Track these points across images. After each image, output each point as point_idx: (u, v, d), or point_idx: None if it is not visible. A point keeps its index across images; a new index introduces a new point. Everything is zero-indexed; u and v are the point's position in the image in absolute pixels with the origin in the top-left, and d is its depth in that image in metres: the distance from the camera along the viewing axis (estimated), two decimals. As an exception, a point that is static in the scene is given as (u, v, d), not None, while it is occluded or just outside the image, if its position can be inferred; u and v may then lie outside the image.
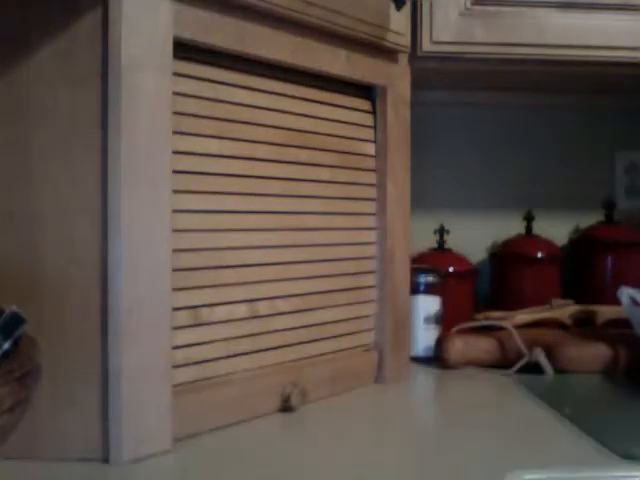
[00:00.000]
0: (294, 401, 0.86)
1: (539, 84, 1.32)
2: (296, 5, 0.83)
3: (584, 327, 1.20)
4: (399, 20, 0.99)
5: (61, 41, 0.69)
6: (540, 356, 1.05)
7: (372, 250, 1.01)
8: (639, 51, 1.10)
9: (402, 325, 1.04)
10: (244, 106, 0.84)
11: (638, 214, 1.46)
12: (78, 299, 0.69)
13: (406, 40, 1.01)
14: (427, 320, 1.16)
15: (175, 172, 0.74)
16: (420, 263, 1.24)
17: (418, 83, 1.08)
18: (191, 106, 0.78)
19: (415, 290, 1.14)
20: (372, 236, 1.01)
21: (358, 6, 0.92)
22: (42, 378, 0.64)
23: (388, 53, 1.00)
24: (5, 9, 0.70)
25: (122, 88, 0.69)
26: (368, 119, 1.01)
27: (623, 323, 1.09)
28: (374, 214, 1.01)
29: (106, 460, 0.69)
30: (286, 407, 0.86)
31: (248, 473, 0.69)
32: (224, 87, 0.82)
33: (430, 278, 1.17)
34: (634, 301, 1.01)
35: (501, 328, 1.12)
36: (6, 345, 0.59)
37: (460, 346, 1.10)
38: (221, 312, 0.81)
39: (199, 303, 0.79)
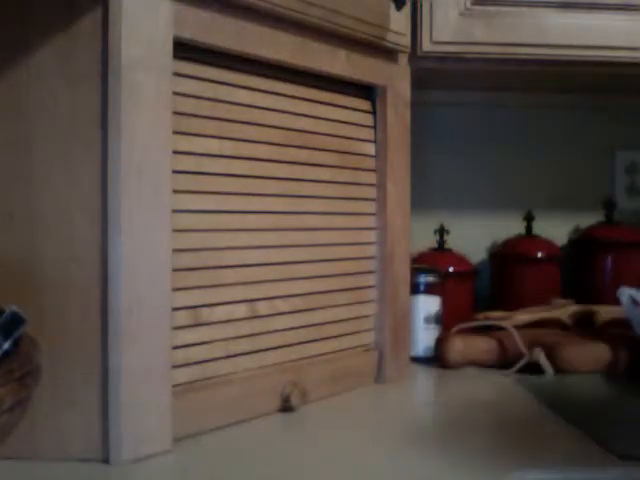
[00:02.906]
0: (294, 401, 0.86)
1: (539, 84, 1.32)
2: (296, 5, 0.83)
3: (584, 327, 1.20)
4: (399, 20, 0.99)
5: (61, 41, 0.69)
6: (540, 356, 1.05)
7: (372, 250, 1.01)
8: (639, 51, 1.10)
9: (402, 325, 1.04)
10: (244, 106, 0.84)
11: (638, 214, 1.47)
12: (78, 299, 0.69)
13: (406, 40, 1.01)
14: (427, 320, 1.16)
15: (175, 172, 0.74)
16: (420, 263, 1.24)
17: (418, 83, 1.08)
18: (191, 106, 0.78)
19: (415, 290, 1.14)
20: (372, 236, 1.01)
21: (358, 6, 0.92)
22: (42, 378, 0.64)
23: (388, 53, 1.00)
24: (5, 9, 0.70)
25: (122, 88, 0.69)
26: (368, 119, 1.01)
27: (623, 323, 1.09)
28: (374, 214, 1.01)
29: (106, 460, 0.69)
30: (286, 407, 0.86)
31: (248, 473, 0.69)
32: (224, 87, 0.82)
33: (430, 278, 1.17)
34: (634, 301, 1.01)
35: (501, 328, 1.12)
36: (6, 345, 0.59)
37: (460, 346, 1.10)
38: (221, 312, 0.81)
39: (199, 303, 0.79)
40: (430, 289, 1.17)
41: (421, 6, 1.06)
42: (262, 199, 0.86)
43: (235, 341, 0.83)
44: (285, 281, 0.89)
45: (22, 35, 0.70)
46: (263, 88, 0.86)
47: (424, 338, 1.15)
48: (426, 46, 1.06)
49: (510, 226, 1.41)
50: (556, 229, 1.43)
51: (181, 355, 0.77)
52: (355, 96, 1.00)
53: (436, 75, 1.19)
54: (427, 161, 1.40)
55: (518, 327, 1.13)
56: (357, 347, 1.00)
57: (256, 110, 0.86)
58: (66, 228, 0.69)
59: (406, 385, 1.02)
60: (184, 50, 0.76)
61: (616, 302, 1.06)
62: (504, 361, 1.09)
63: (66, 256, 0.69)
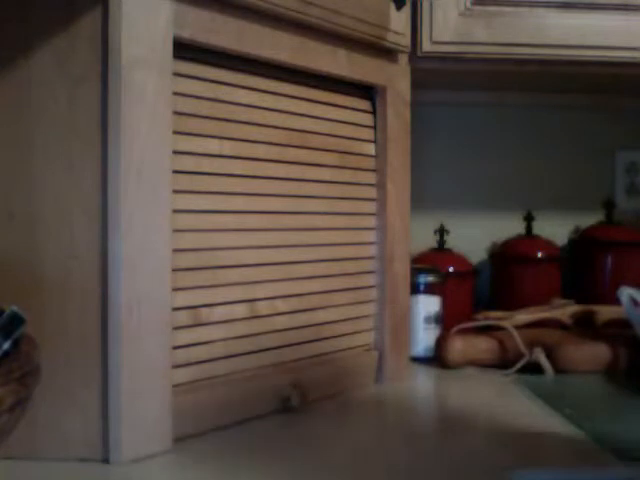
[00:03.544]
0: (294, 401, 0.86)
1: (539, 84, 1.32)
2: (296, 5, 0.83)
3: (584, 327, 1.20)
4: (399, 20, 0.99)
5: (61, 41, 0.69)
6: (540, 356, 1.05)
7: (372, 250, 1.01)
8: (639, 51, 1.10)
9: (402, 325, 1.04)
10: (244, 106, 0.84)
11: (638, 214, 1.47)
12: (78, 299, 0.69)
13: (406, 40, 1.01)
14: (427, 320, 1.16)
15: (175, 172, 0.74)
16: (420, 263, 1.24)
17: (418, 83, 1.08)
18: (191, 106, 0.78)
19: (415, 290, 1.14)
20: (372, 236, 1.01)
21: (358, 6, 0.92)
22: (42, 378, 0.64)
23: (388, 53, 1.00)
24: (5, 9, 0.70)
25: (122, 88, 0.69)
26: (368, 119, 1.01)
27: (623, 323, 1.09)
28: (374, 214, 1.01)
29: (106, 460, 0.69)
30: (286, 407, 0.86)
31: (248, 473, 0.69)
32: (224, 87, 0.82)
33: (430, 278, 1.17)
34: (634, 301, 1.01)
35: (501, 328, 1.12)
36: (6, 345, 0.59)
37: (460, 346, 1.10)
38: (221, 312, 0.81)
39: (199, 303, 0.79)
40: (430, 289, 1.17)
41: (421, 6, 1.06)
42: (262, 199, 0.86)
43: (235, 341, 0.83)
44: (285, 281, 0.89)
45: (22, 35, 0.70)
46: (263, 88, 0.86)
47: (424, 338, 1.15)
48: (426, 46, 1.06)
49: (510, 226, 1.41)
50: (556, 229, 1.43)
51: (181, 355, 0.77)
52: (355, 96, 1.00)
53: (436, 75, 1.19)
54: (427, 161, 1.40)
55: (518, 327, 1.13)
56: (357, 347, 1.00)
57: (256, 110, 0.86)
58: (66, 228, 0.69)
59: (406, 385, 1.02)
60: (184, 50, 0.76)
61: (616, 302, 1.06)
62: (504, 361, 1.09)
63: (66, 256, 0.69)
